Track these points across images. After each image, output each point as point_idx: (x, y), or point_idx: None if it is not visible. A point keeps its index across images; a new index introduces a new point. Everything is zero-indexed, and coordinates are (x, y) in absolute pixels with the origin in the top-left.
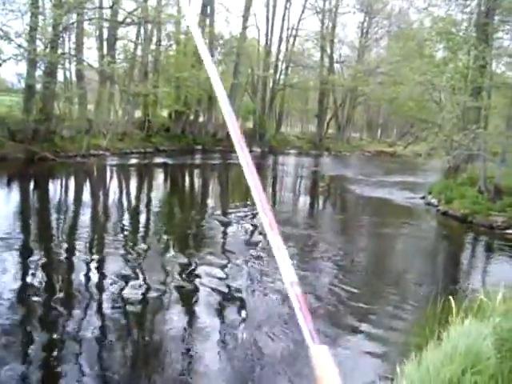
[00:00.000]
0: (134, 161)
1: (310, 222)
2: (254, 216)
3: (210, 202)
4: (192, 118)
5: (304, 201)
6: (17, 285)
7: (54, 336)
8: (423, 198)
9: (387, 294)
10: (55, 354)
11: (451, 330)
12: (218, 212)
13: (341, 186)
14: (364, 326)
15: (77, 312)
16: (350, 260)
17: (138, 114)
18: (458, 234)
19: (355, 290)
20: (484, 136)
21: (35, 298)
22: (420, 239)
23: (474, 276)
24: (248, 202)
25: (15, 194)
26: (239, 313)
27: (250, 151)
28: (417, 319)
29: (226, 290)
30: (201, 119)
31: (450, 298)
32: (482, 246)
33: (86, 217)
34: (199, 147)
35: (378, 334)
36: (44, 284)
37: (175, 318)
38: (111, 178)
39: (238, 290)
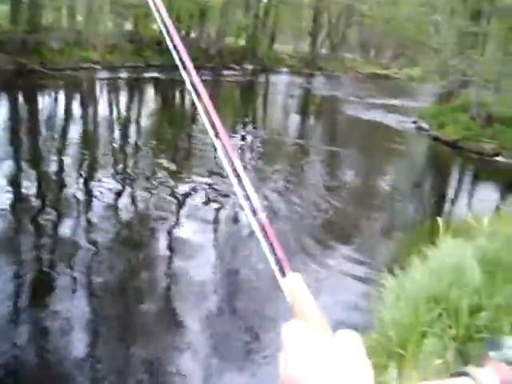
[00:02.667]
0: (124, 75)
1: (300, 142)
2: (244, 136)
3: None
4: (183, 33)
5: (295, 119)
6: (7, 196)
7: (46, 240)
8: (415, 122)
9: (374, 214)
10: (46, 256)
11: (438, 249)
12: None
13: (332, 107)
14: (349, 247)
15: (68, 220)
16: (338, 179)
17: (128, 26)
18: (448, 159)
19: (342, 208)
20: (480, 62)
21: (26, 207)
22: (409, 164)
23: (461, 200)
24: (237, 120)
25: (3, 106)
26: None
27: (242, 68)
28: (403, 240)
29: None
30: (192, 35)
31: (438, 218)
32: (471, 171)
33: (75, 130)
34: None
35: (362, 253)
36: (34, 195)
37: (163, 226)
38: (101, 92)
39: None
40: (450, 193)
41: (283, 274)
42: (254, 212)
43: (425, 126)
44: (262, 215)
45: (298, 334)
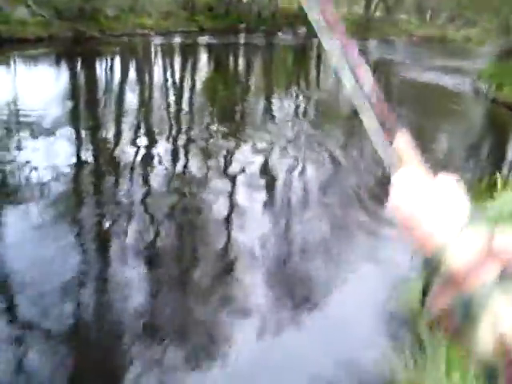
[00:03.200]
0: (178, 40)
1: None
2: (297, 96)
3: (255, 82)
4: None
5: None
6: (68, 162)
7: (103, 199)
8: (472, 83)
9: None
10: (103, 212)
11: (496, 200)
12: (262, 92)
13: (387, 69)
14: None
15: (124, 182)
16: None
17: None
18: (507, 121)
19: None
20: None
21: (85, 171)
22: (467, 125)
23: None
24: (291, 81)
25: (64, 72)
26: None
27: (295, 31)
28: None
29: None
30: None
31: (497, 175)
32: None
33: (133, 95)
34: (243, 26)
35: None
36: (92, 158)
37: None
38: (157, 57)
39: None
40: (508, 154)
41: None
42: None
43: (483, 87)
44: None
45: (407, 172)
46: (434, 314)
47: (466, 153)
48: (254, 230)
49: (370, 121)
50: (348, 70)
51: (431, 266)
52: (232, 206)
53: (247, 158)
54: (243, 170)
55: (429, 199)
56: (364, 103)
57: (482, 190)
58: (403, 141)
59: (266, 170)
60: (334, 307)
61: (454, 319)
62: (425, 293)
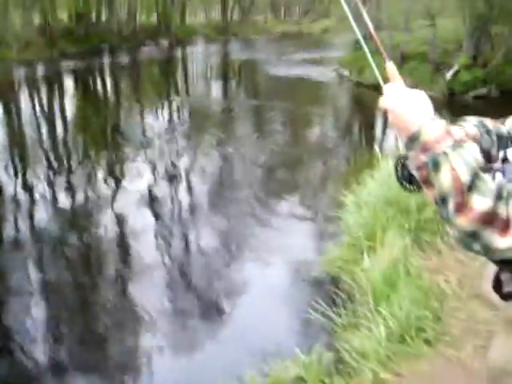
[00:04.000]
0: (41, 69)
1: (226, 103)
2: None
3: (126, 101)
4: (94, 17)
5: (217, 85)
6: None
7: None
8: (336, 71)
9: (313, 160)
10: None
11: (381, 167)
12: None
13: (252, 68)
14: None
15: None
16: (273, 125)
17: (36, 20)
18: (372, 100)
19: (280, 153)
20: (389, 4)
21: None
22: (337, 109)
23: (390, 134)
24: (162, 93)
25: None
26: None
27: (156, 45)
28: (348, 169)
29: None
30: (103, 18)
31: (375, 147)
32: None
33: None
34: (105, 46)
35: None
36: None
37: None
38: (22, 91)
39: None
40: (379, 128)
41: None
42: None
43: (345, 73)
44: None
45: (395, 85)
46: (411, 168)
47: (347, 128)
48: None
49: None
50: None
51: (411, 141)
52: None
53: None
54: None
55: (409, 100)
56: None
57: (364, 162)
58: (391, 64)
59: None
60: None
61: (426, 169)
62: (402, 168)
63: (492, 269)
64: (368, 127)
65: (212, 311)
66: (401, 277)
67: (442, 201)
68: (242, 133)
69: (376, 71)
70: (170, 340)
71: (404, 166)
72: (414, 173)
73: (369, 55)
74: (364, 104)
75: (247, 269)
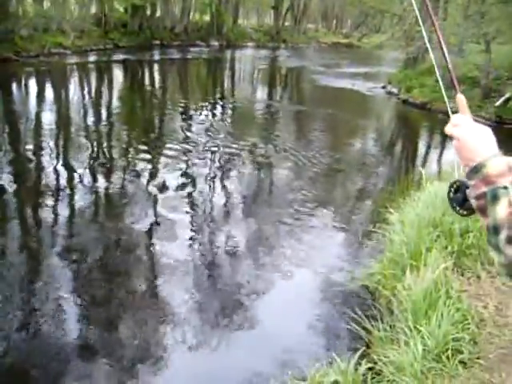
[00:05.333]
0: (93, 58)
1: (270, 109)
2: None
3: (172, 96)
4: (149, 12)
5: (263, 90)
6: None
7: None
8: (384, 87)
9: (353, 173)
10: None
11: (426, 189)
12: (181, 104)
13: (301, 77)
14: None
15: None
16: (316, 132)
17: (93, 9)
18: (418, 120)
19: (320, 162)
20: (443, 27)
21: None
22: (383, 125)
23: (434, 153)
24: (208, 97)
25: None
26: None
27: (208, 45)
28: (387, 184)
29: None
30: (158, 13)
31: (420, 169)
32: (440, 129)
33: (52, 116)
34: (157, 42)
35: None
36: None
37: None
38: (74, 76)
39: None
40: (424, 150)
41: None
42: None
43: (394, 90)
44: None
45: (463, 116)
46: (470, 196)
47: (391, 144)
48: None
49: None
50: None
51: (474, 171)
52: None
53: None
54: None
55: (477, 133)
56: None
57: (409, 182)
58: (462, 96)
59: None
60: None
61: (484, 199)
62: (456, 191)
63: None
64: (412, 146)
65: (241, 314)
66: (441, 297)
67: (495, 230)
68: (284, 137)
69: (446, 100)
70: (193, 337)
71: (458, 191)
72: (472, 200)
73: (442, 86)
74: (410, 121)
75: (282, 276)
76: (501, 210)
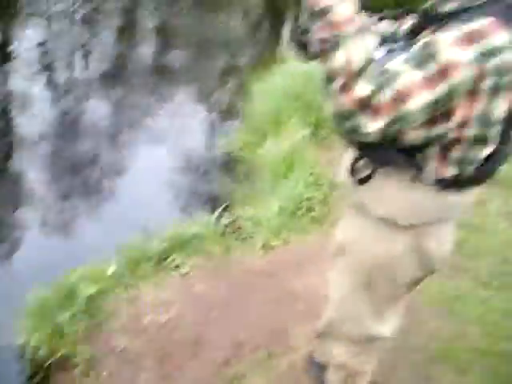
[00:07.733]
0: None
1: None
2: None
3: None
4: None
5: None
6: None
7: None
8: None
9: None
10: None
11: (289, 63)
12: None
13: None
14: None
15: None
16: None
17: None
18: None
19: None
20: None
21: None
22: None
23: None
24: None
25: None
26: None
27: None
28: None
29: None
30: None
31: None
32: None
33: None
34: None
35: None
36: None
37: None
38: None
39: None
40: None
41: None
42: None
43: None
44: None
45: None
46: (314, 41)
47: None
48: None
49: None
50: None
51: (318, 14)
52: None
53: None
54: None
55: None
56: None
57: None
58: None
59: None
60: None
61: (326, 45)
62: (302, 32)
63: (348, 157)
64: (278, 23)
65: (101, 190)
66: (298, 162)
67: (330, 77)
68: None
69: None
70: (46, 215)
71: (301, 34)
72: (315, 42)
73: None
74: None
75: (143, 149)
76: (339, 58)
